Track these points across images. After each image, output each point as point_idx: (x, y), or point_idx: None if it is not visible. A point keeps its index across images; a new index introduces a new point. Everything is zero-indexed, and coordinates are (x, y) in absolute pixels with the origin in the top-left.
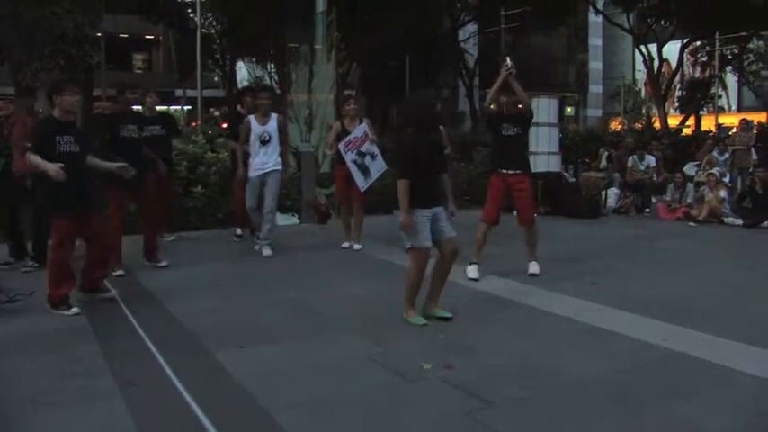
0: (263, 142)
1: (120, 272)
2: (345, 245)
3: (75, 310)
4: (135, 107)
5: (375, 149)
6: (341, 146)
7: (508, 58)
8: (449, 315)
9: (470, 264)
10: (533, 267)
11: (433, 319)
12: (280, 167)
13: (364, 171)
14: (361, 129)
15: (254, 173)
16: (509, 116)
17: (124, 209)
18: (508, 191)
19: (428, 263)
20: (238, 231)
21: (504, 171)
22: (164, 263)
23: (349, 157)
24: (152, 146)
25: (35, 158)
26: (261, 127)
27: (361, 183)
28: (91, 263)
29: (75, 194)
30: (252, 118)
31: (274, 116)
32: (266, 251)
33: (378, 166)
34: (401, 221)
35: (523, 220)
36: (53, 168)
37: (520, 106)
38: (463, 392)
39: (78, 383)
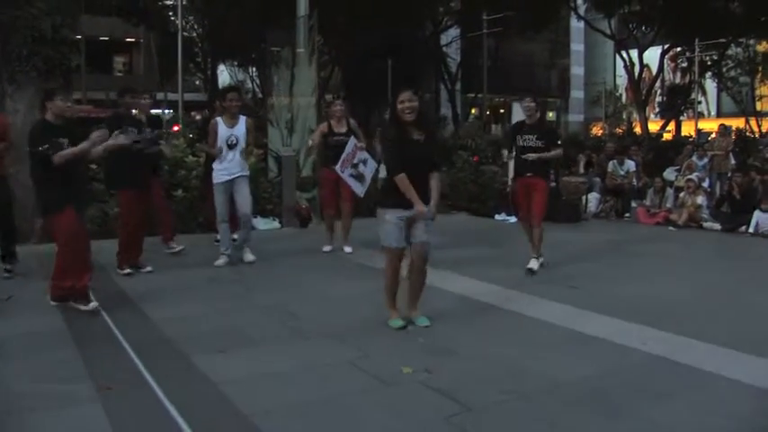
0: (231, 146)
1: (127, 270)
2: (327, 248)
3: (93, 304)
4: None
5: (365, 154)
6: (337, 168)
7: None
8: (427, 323)
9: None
10: (533, 263)
11: (413, 324)
12: (247, 173)
13: (359, 178)
14: (350, 144)
15: (220, 178)
16: (532, 127)
17: (135, 210)
18: (528, 191)
19: (401, 260)
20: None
21: (526, 174)
22: (148, 268)
23: (346, 174)
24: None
25: (67, 151)
26: (228, 130)
27: (359, 190)
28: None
29: (74, 194)
30: (219, 120)
31: (243, 119)
32: (249, 256)
33: (370, 168)
34: (417, 211)
35: (533, 217)
36: (89, 143)
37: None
38: (443, 397)
39: (56, 388)
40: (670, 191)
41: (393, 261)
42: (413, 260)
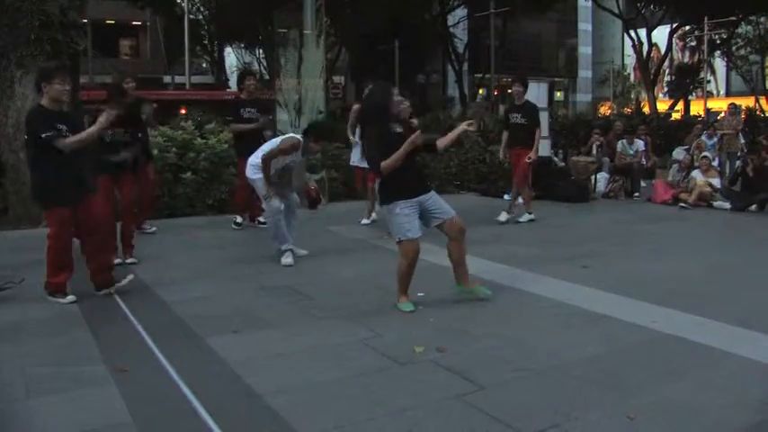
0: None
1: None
2: (365, 221)
3: (70, 297)
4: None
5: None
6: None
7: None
8: (488, 293)
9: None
10: (503, 216)
11: (424, 304)
12: None
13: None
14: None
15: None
16: (518, 107)
17: (112, 197)
18: (518, 159)
19: (418, 253)
20: (238, 219)
21: (517, 147)
22: (132, 259)
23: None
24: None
25: (76, 137)
26: None
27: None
28: (96, 254)
29: (73, 183)
30: None
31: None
32: (290, 258)
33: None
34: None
35: (516, 178)
36: (104, 120)
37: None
38: (455, 375)
39: (71, 370)
40: (675, 167)
41: (408, 253)
42: (451, 236)
